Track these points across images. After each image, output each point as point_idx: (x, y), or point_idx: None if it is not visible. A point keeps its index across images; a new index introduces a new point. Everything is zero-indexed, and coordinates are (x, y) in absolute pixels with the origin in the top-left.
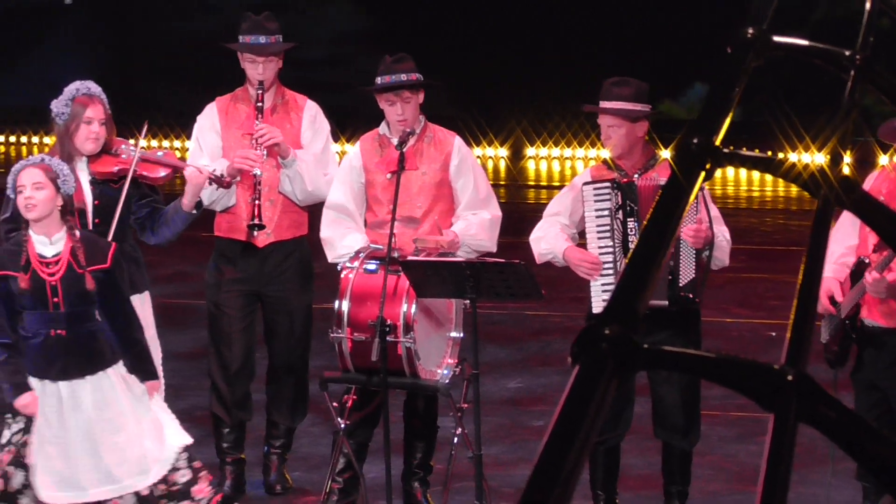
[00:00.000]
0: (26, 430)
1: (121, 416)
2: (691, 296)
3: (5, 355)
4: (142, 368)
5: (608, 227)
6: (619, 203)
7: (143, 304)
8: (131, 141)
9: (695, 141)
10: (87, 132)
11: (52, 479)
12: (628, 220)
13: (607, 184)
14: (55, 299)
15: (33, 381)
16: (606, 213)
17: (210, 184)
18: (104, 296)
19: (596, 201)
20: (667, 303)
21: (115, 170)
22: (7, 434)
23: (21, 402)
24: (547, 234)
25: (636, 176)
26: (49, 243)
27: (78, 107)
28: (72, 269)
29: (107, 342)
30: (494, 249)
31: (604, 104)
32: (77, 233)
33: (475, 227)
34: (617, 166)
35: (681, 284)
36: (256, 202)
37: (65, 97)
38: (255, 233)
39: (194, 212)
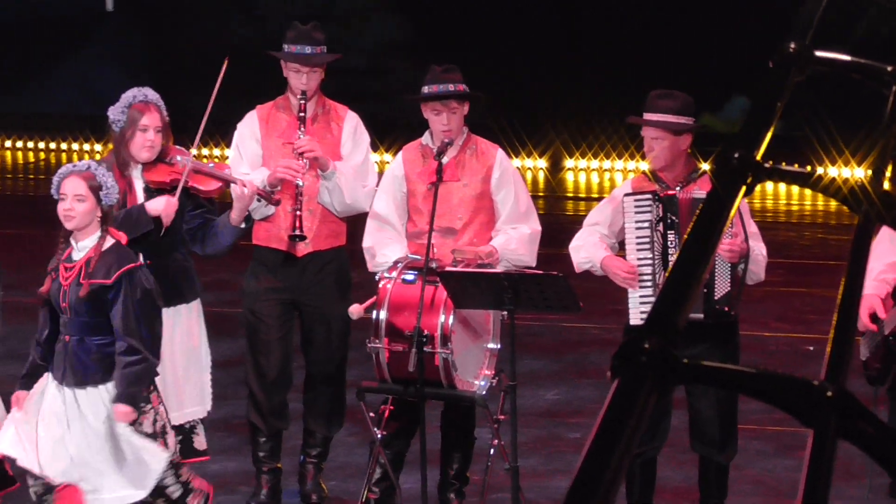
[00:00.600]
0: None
1: (108, 437)
2: (727, 309)
3: (37, 343)
4: (122, 392)
5: (648, 239)
6: (660, 215)
7: (189, 314)
8: (193, 151)
9: (736, 155)
10: (142, 140)
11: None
12: (668, 232)
13: (648, 195)
14: (64, 304)
15: (49, 378)
16: (647, 225)
17: (258, 200)
18: (100, 311)
19: (636, 213)
20: (702, 316)
21: (168, 179)
22: None
23: (14, 394)
24: (586, 243)
25: (678, 189)
26: (77, 249)
27: (134, 114)
28: (78, 277)
29: (105, 360)
30: (534, 264)
31: (648, 116)
32: (108, 242)
33: (515, 241)
34: (658, 178)
35: (716, 298)
36: (298, 213)
37: (121, 104)
38: (297, 243)
39: (243, 226)
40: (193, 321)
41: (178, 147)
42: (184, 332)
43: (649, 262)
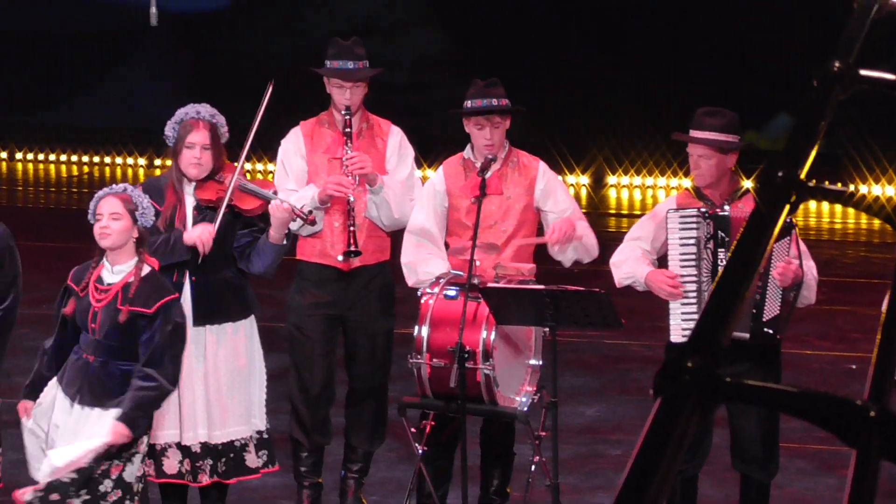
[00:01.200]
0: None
1: (90, 452)
2: (773, 331)
3: (45, 354)
4: (127, 412)
5: (694, 256)
6: (710, 233)
7: (235, 334)
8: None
9: (779, 174)
10: (189, 156)
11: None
12: (719, 250)
13: (694, 212)
14: (93, 325)
15: (57, 389)
16: (692, 241)
17: (295, 219)
18: (137, 339)
19: (681, 229)
20: (748, 336)
21: (215, 198)
22: None
23: (20, 403)
24: (628, 258)
25: (726, 206)
26: (112, 271)
27: (183, 130)
28: (115, 301)
29: (126, 384)
30: (596, 254)
31: (695, 133)
32: (145, 269)
33: (581, 228)
34: (703, 196)
35: (764, 319)
36: (351, 228)
37: (174, 119)
38: (351, 258)
39: (284, 243)
40: (241, 340)
41: (233, 164)
42: (229, 351)
43: (694, 278)
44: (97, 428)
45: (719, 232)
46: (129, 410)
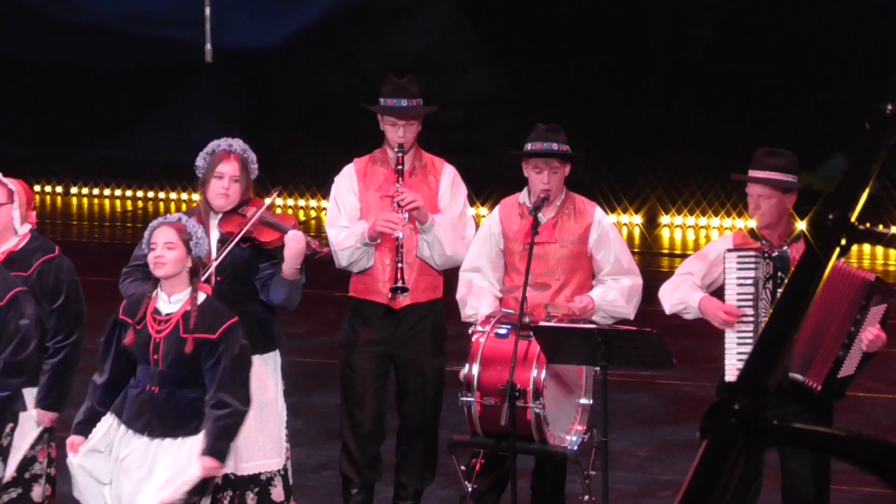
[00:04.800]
0: None
1: (186, 485)
2: (840, 392)
3: (98, 390)
4: (212, 444)
5: (751, 296)
6: (770, 273)
7: (263, 366)
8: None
9: (831, 216)
10: (217, 187)
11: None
12: (778, 290)
13: (752, 253)
14: (156, 356)
15: (116, 423)
16: (750, 281)
17: (309, 251)
18: (201, 366)
19: (739, 269)
20: (818, 387)
21: (236, 230)
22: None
23: (70, 439)
24: (679, 286)
25: (785, 247)
26: (168, 302)
27: (214, 160)
28: (177, 331)
29: (198, 412)
30: (632, 317)
31: (754, 173)
32: (201, 297)
33: (614, 292)
34: (760, 236)
35: (839, 377)
36: (399, 265)
37: (206, 150)
38: (398, 295)
39: (297, 278)
40: (268, 374)
41: (260, 199)
42: (256, 384)
43: (751, 318)
44: (173, 458)
45: (779, 272)
46: (214, 442)
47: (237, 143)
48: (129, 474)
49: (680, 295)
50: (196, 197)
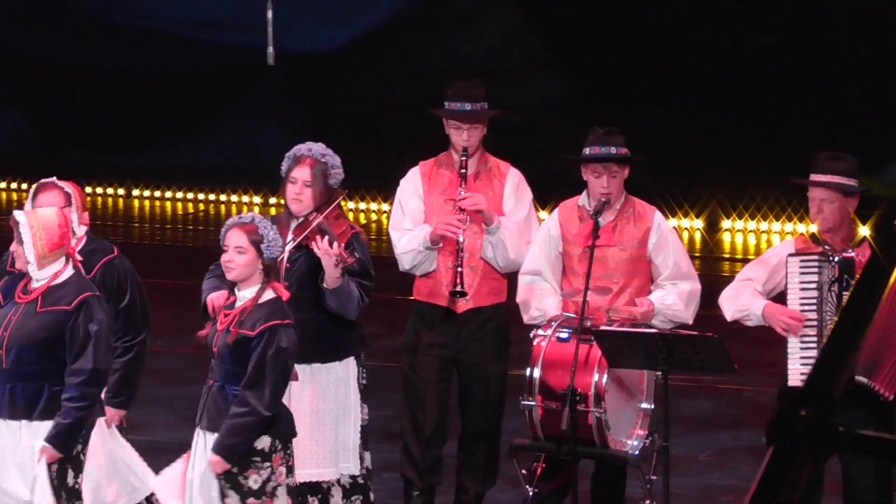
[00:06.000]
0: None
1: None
2: None
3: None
4: (221, 441)
5: (815, 300)
6: (835, 276)
7: (326, 375)
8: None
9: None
10: (291, 191)
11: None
12: (844, 294)
13: (815, 256)
14: (214, 349)
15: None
16: (814, 286)
17: (338, 261)
18: (243, 361)
19: (802, 273)
20: (892, 397)
21: (301, 236)
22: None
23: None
24: (741, 293)
25: (850, 251)
26: (238, 297)
27: (291, 164)
28: (230, 325)
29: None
30: (690, 322)
31: (816, 177)
32: (267, 296)
33: (673, 297)
34: (822, 241)
35: None
36: (459, 269)
37: (289, 154)
38: (458, 300)
39: (339, 286)
40: (331, 382)
41: (331, 206)
42: (316, 391)
43: (815, 323)
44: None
45: (845, 275)
46: (223, 439)
47: (316, 148)
48: (197, 467)
49: (742, 302)
50: (257, 200)
